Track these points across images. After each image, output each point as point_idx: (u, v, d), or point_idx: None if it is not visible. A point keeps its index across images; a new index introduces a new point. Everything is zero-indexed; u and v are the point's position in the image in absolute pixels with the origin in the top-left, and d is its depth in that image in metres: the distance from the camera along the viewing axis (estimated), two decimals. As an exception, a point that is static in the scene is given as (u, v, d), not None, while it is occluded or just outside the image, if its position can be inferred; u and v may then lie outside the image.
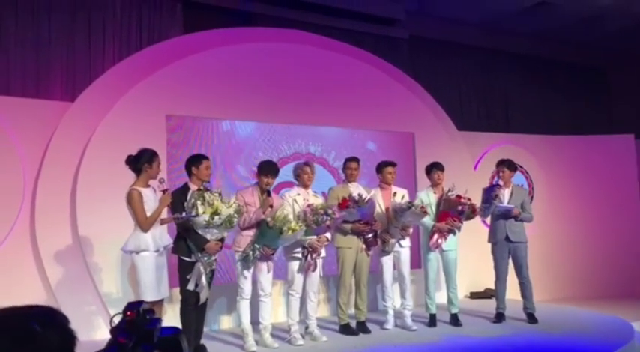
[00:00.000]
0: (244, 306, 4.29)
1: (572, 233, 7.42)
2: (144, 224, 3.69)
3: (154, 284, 3.72)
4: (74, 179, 4.76)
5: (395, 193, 4.91)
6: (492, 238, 5.20)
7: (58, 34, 5.30)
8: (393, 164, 5.03)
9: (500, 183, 5.19)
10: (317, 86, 6.01)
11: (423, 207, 4.76)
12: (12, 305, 1.09)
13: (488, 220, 5.52)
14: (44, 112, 4.82)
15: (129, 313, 1.33)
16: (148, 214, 3.71)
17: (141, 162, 3.76)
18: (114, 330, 1.29)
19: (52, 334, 1.04)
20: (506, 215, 5.11)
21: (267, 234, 4.13)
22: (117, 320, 1.33)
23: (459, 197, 4.94)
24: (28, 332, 1.02)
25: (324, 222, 4.32)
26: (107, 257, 4.66)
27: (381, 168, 5.03)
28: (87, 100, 4.91)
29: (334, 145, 6.13)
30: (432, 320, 5.09)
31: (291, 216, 4.29)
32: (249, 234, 4.23)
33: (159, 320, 1.38)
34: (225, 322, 5.27)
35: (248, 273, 4.24)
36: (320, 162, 6.00)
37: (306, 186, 4.58)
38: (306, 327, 4.61)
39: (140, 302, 1.39)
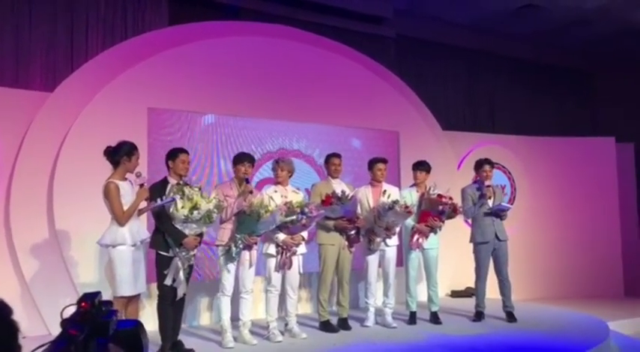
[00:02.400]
0: (225, 303, 4.24)
1: (551, 233, 7.45)
2: (120, 217, 3.61)
3: (131, 278, 3.65)
4: (51, 171, 4.66)
5: (384, 191, 4.86)
6: (479, 237, 5.12)
7: (38, 22, 5.18)
8: (383, 161, 4.98)
9: (489, 182, 5.15)
10: (302, 82, 5.95)
11: (407, 207, 4.71)
12: None
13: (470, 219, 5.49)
14: (22, 102, 4.70)
15: (83, 304, 1.26)
16: (125, 208, 3.63)
17: (119, 154, 3.68)
18: (65, 322, 1.21)
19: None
20: (497, 214, 5.09)
21: (245, 222, 4.08)
22: (70, 312, 1.27)
23: (440, 196, 4.91)
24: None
25: (300, 220, 4.25)
26: (84, 250, 4.57)
27: (371, 164, 4.99)
28: (66, 91, 4.81)
29: (319, 142, 6.08)
30: (412, 318, 5.07)
31: (267, 201, 4.23)
32: (230, 226, 4.17)
33: (115, 312, 1.31)
34: (205, 318, 5.21)
35: (231, 267, 4.18)
36: (307, 160, 5.96)
37: (280, 183, 4.52)
38: (286, 324, 4.56)
39: (96, 293, 1.32)
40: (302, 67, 6.00)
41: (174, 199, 3.72)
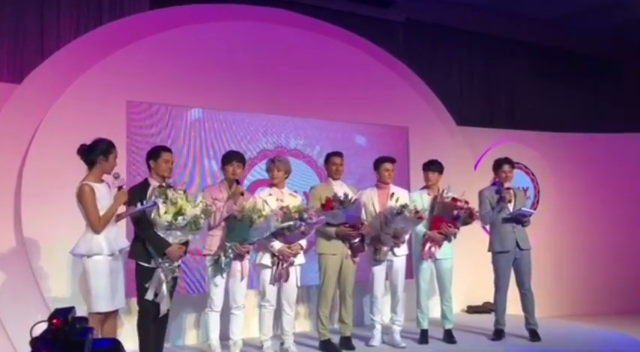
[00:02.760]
0: (213, 319, 4.25)
1: (581, 241, 7.44)
2: (96, 224, 3.61)
3: (108, 292, 3.65)
4: (19, 172, 4.66)
5: (392, 194, 4.87)
6: (499, 246, 5.15)
7: (3, 4, 5.18)
8: (391, 160, 4.99)
9: (509, 184, 5.16)
10: (301, 72, 5.96)
11: (417, 212, 4.72)
12: None
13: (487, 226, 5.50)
14: (-14, 95, 4.72)
15: (55, 321, 1.27)
16: (102, 213, 3.63)
17: (95, 153, 3.69)
18: (35, 341, 1.22)
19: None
20: (518, 219, 5.09)
21: (236, 228, 4.08)
22: (41, 329, 1.27)
23: (454, 200, 4.91)
24: None
25: (298, 227, 4.25)
26: (56, 261, 4.56)
27: (377, 164, 5.00)
28: (36, 82, 4.80)
29: (319, 139, 6.09)
30: (424, 337, 5.07)
31: (260, 206, 4.24)
32: (219, 233, 4.18)
33: (90, 329, 1.32)
34: (191, 337, 5.20)
35: (220, 280, 4.18)
36: (307, 161, 5.97)
37: (276, 185, 4.53)
38: (282, 343, 4.56)
39: (70, 309, 1.33)
40: (300, 56, 6.00)
41: (156, 203, 3.73)
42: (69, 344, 1.26)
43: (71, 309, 1.32)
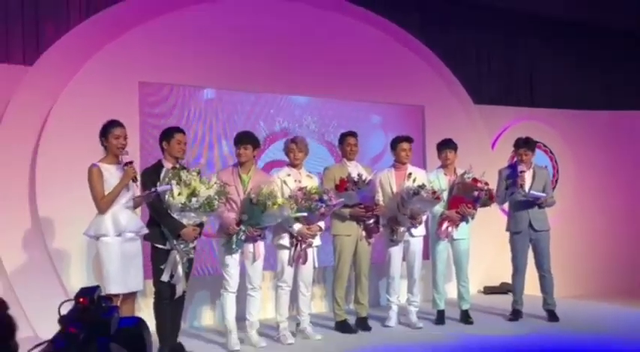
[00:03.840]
0: (229, 300, 4.31)
1: (601, 222, 7.41)
2: (100, 203, 3.70)
3: (119, 275, 3.70)
4: (33, 154, 4.73)
5: (410, 174, 4.89)
6: (513, 227, 5.21)
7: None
8: (408, 140, 5.01)
9: (524, 168, 5.14)
10: (315, 51, 5.95)
11: (435, 193, 4.74)
12: None
13: (506, 206, 5.52)
14: (-1, 77, 4.77)
15: (81, 300, 1.32)
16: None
17: (100, 136, 3.78)
18: (63, 319, 1.27)
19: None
20: (532, 202, 5.10)
21: (249, 212, 4.14)
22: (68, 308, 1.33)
23: (475, 180, 4.93)
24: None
25: (318, 209, 4.31)
26: (71, 243, 4.65)
27: (394, 144, 5.02)
28: (48, 64, 4.84)
29: (332, 118, 6.11)
30: (440, 317, 5.13)
31: (278, 193, 4.30)
32: (233, 215, 4.23)
33: (116, 308, 1.37)
34: (207, 318, 5.31)
35: (232, 261, 4.25)
36: (329, 147, 6.00)
37: (295, 166, 4.56)
38: (298, 324, 4.64)
39: (95, 288, 1.38)
40: (313, 34, 5.97)
41: (170, 187, 3.78)
42: (96, 323, 1.31)
43: (96, 288, 1.37)
